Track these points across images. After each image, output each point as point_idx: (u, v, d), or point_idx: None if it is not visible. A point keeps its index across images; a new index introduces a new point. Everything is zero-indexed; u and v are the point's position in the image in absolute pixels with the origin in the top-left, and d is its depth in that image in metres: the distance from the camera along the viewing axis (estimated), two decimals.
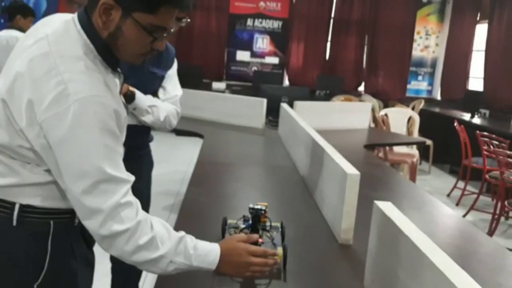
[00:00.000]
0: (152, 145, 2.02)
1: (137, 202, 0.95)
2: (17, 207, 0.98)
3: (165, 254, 0.94)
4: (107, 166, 0.90)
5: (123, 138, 1.01)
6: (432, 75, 7.49)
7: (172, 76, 1.85)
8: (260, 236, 1.19)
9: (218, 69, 7.19)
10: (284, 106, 3.16)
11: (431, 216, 1.81)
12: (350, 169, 1.40)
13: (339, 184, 1.45)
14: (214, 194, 1.84)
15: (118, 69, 1.06)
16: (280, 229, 1.32)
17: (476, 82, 6.53)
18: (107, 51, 0.98)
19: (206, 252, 0.99)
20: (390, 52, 7.15)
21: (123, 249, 0.92)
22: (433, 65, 7.45)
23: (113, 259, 1.81)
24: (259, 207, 1.19)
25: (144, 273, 2.07)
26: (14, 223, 0.98)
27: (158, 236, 0.94)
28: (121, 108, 0.98)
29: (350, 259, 1.32)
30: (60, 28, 0.96)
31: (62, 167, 0.91)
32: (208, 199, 1.76)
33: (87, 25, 0.95)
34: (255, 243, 1.09)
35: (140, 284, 2.08)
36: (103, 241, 0.92)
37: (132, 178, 0.96)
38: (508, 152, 3.37)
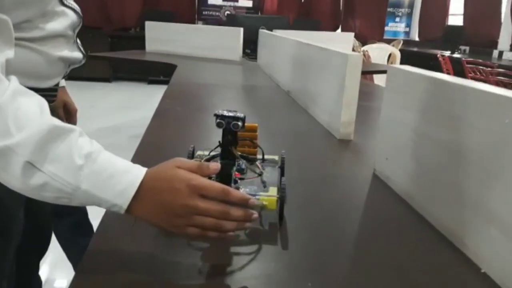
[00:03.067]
0: (126, 94, 1.75)
1: None
2: None
3: (16, 145, 0.50)
4: None
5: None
6: (410, 15, 7.30)
7: None
8: (239, 170, 0.72)
9: (189, 14, 6.80)
10: (263, 31, 2.92)
11: None
12: (350, 52, 1.21)
13: (337, 74, 1.25)
14: (191, 106, 1.63)
15: None
16: (278, 164, 0.82)
17: (455, 19, 6.38)
18: None
19: (113, 173, 0.53)
20: None
21: None
22: (411, 5, 7.25)
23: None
24: (232, 114, 0.66)
25: None
26: None
27: (12, 111, 0.51)
28: None
29: (353, 151, 1.15)
30: None
31: None
32: (185, 109, 1.55)
33: None
34: (225, 179, 0.62)
35: None
36: None
37: None
38: (499, 70, 3.24)
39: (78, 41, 0.92)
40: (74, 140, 0.53)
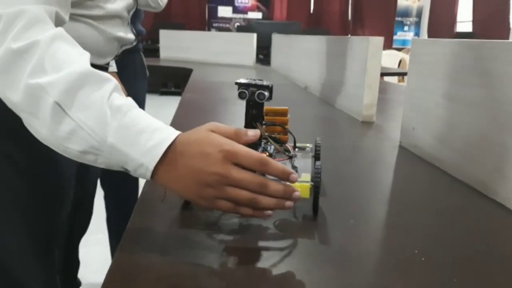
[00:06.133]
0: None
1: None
2: None
3: (48, 84, 0.48)
4: None
5: None
6: (418, 24, 7.36)
7: None
8: (265, 149, 0.62)
9: (199, 26, 6.92)
10: (277, 35, 2.98)
11: None
12: (372, 37, 1.25)
13: (358, 59, 1.29)
14: (214, 98, 1.67)
15: None
16: (312, 149, 0.73)
17: (464, 26, 6.42)
18: None
19: (144, 129, 0.50)
20: (375, 3, 6.98)
21: None
22: (419, 14, 7.32)
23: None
24: (258, 82, 0.59)
25: None
26: None
27: (51, 51, 0.51)
28: None
29: (377, 130, 1.18)
30: None
31: None
32: (208, 100, 1.59)
33: None
34: (255, 146, 0.54)
35: None
36: None
37: None
38: None
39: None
40: (108, 91, 0.51)
